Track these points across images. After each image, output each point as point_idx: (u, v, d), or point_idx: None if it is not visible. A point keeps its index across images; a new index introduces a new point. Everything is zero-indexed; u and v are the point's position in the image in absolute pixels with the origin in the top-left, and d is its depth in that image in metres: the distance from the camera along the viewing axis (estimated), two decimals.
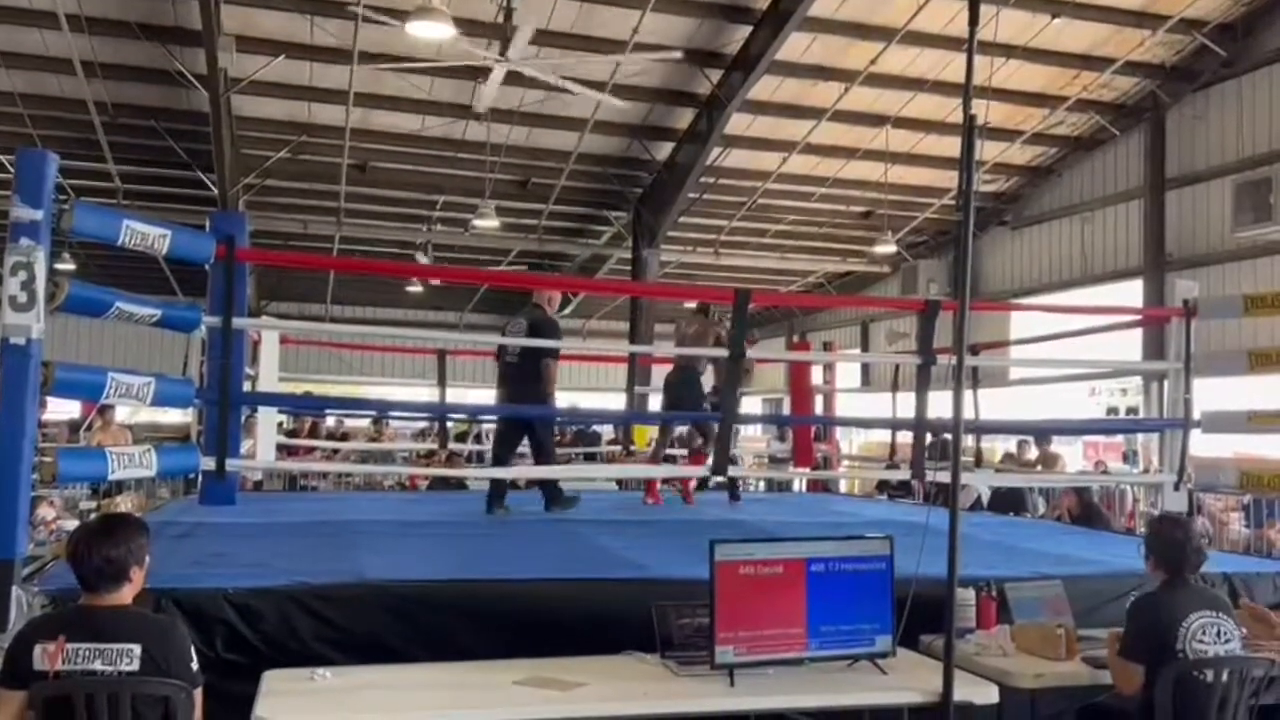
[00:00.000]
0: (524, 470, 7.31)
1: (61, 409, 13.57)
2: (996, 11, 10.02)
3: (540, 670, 3.35)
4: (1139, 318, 10.62)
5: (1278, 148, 12.86)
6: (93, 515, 7.34)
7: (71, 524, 6.89)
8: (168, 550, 4.19)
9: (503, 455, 6.97)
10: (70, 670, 2.85)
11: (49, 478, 4.18)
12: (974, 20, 3.39)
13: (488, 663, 3.48)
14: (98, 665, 2.87)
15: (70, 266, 16.00)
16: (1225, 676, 3.49)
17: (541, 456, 6.80)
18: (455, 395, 11.45)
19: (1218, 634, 3.57)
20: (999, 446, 13.21)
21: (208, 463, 5.09)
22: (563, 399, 7.93)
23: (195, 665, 3.01)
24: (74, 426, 12.99)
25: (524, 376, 6.59)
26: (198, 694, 2.99)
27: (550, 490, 6.78)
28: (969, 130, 3.35)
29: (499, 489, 6.72)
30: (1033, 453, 12.10)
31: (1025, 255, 17.68)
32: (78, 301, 4.13)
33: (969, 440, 8.32)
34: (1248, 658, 3.59)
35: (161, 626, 3.04)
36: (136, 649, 2.90)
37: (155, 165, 15.28)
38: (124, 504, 7.32)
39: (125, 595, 3.04)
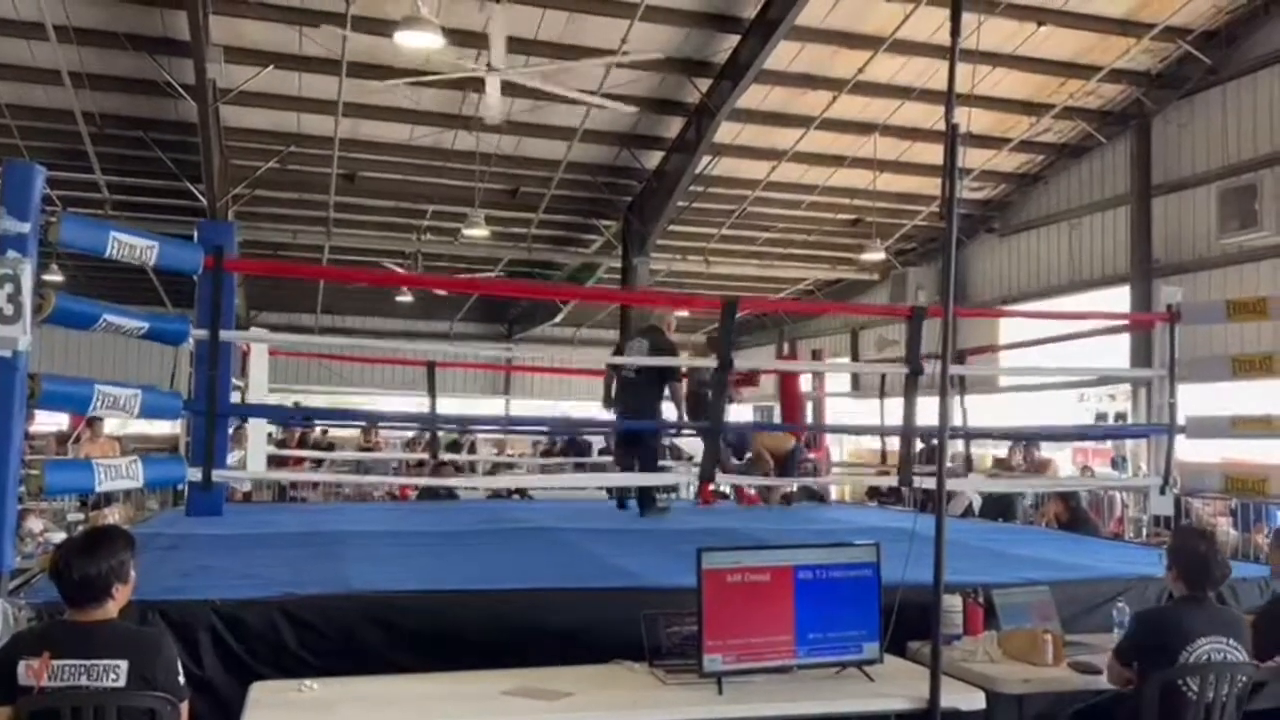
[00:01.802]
0: (516, 479, 7.40)
1: (50, 421, 13.51)
2: (979, 22, 10.10)
3: (528, 680, 3.35)
4: (1124, 323, 10.66)
5: (1262, 154, 12.94)
6: (80, 527, 7.31)
7: (59, 536, 6.85)
8: (154, 562, 4.18)
9: (625, 463, 7.59)
10: (56, 687, 2.84)
11: (36, 490, 4.17)
12: (955, 31, 3.42)
13: (476, 673, 3.48)
14: (83, 681, 2.86)
15: (59, 278, 15.93)
16: (1212, 682, 3.49)
17: (646, 464, 7.22)
18: (445, 406, 11.47)
19: (1224, 660, 3.52)
20: (990, 453, 13.23)
21: (194, 474, 5.07)
22: (555, 409, 8.05)
23: (181, 679, 3.01)
24: (62, 438, 12.91)
25: (640, 392, 7.04)
26: (184, 707, 2.99)
27: (645, 498, 7.24)
28: (951, 139, 3.38)
29: (648, 494, 7.21)
30: (1017, 458, 12.12)
31: (1013, 262, 17.76)
32: (65, 314, 4.13)
33: (958, 446, 8.38)
34: (1235, 663, 3.57)
35: (147, 641, 3.04)
36: (123, 665, 2.89)
37: (143, 176, 15.26)
38: (112, 516, 7.29)
39: (110, 610, 3.04)
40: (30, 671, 2.84)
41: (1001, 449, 12.95)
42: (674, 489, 7.89)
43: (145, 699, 2.90)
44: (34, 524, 7.14)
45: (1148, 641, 3.59)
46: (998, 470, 11.76)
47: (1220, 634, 3.55)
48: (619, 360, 7.41)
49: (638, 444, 7.36)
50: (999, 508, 9.60)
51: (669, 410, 7.43)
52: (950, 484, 6.44)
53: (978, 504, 10.13)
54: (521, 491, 9.93)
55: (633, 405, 7.05)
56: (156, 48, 12.23)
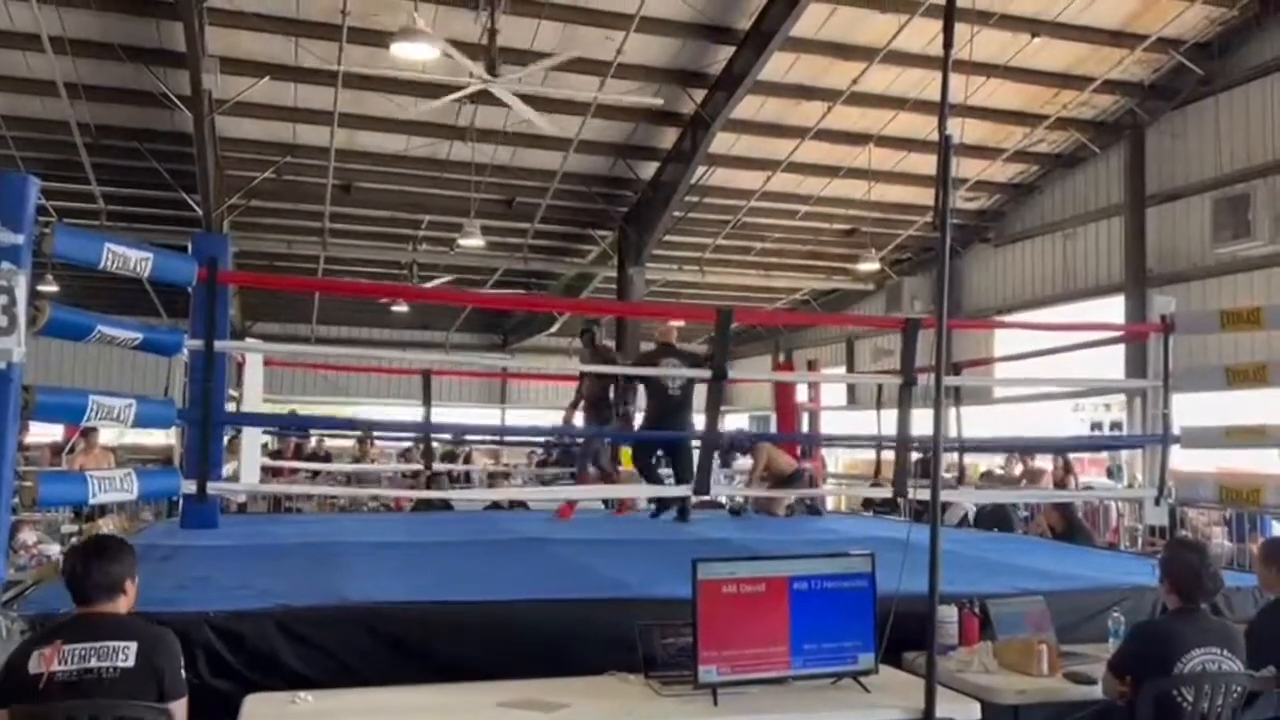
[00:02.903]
0: (511, 492, 7.43)
1: (45, 431, 13.49)
2: (973, 34, 10.12)
3: (524, 691, 3.34)
4: (1119, 334, 10.69)
5: (1255, 164, 12.98)
6: (74, 539, 7.29)
7: (53, 548, 6.84)
8: (149, 573, 4.15)
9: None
10: (66, 669, 2.90)
11: (30, 502, 4.17)
12: (949, 43, 3.43)
13: (471, 684, 3.47)
14: (93, 662, 2.93)
15: (53, 288, 15.92)
16: (1206, 692, 3.49)
17: (688, 473, 7.35)
18: (441, 415, 11.45)
19: (1219, 670, 3.52)
20: (981, 463, 13.25)
21: (188, 485, 5.07)
22: (547, 419, 8.16)
23: (184, 673, 3.08)
24: (56, 449, 12.89)
25: (685, 407, 7.52)
26: (183, 704, 3.04)
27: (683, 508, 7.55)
28: (945, 150, 3.38)
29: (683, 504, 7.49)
30: (1017, 469, 12.14)
31: (1008, 272, 17.79)
32: (59, 325, 4.14)
33: (953, 457, 8.39)
34: (1229, 673, 3.57)
35: (156, 630, 3.12)
36: (132, 646, 2.97)
37: (139, 187, 15.25)
38: (106, 527, 7.26)
39: (120, 606, 3.13)
40: (42, 659, 2.92)
41: (996, 459, 12.97)
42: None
43: (142, 710, 2.94)
44: (28, 535, 7.12)
45: (1142, 653, 3.59)
46: (984, 482, 11.76)
47: (1215, 645, 3.55)
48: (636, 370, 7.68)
49: (680, 454, 7.72)
50: (995, 519, 9.58)
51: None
52: (945, 494, 6.44)
53: (972, 514, 10.12)
54: (522, 502, 9.90)
55: (680, 420, 7.51)
56: (152, 59, 12.23)
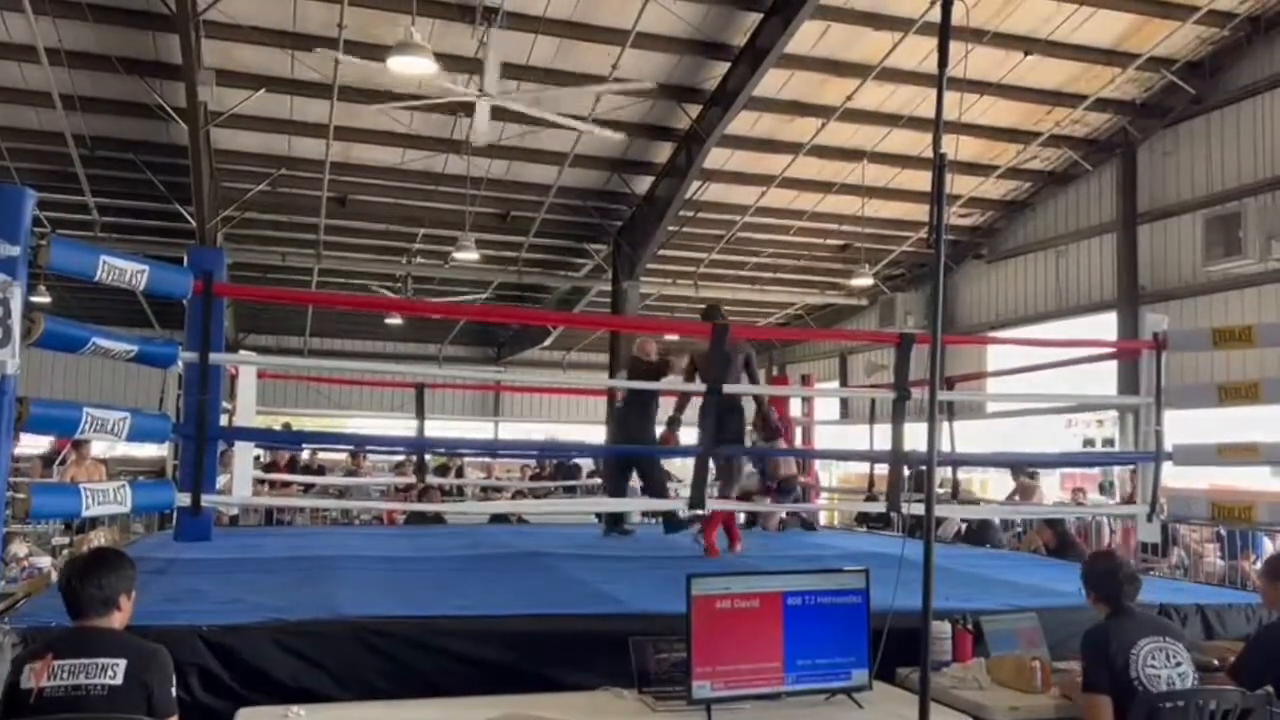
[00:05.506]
0: (511, 505, 7.41)
1: (35, 442, 13.42)
2: (967, 51, 10.20)
3: (517, 706, 3.34)
4: (1112, 350, 10.72)
5: (1246, 182, 13.08)
6: (66, 551, 7.26)
7: (44, 560, 6.81)
8: (141, 586, 4.14)
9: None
10: (55, 685, 2.89)
11: (21, 514, 4.15)
12: (943, 61, 3.45)
13: (464, 699, 3.46)
14: (82, 679, 2.91)
15: (46, 299, 15.89)
16: (1197, 708, 3.50)
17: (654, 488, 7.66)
18: (434, 428, 11.43)
19: (1167, 657, 3.65)
20: (976, 479, 13.26)
21: (183, 498, 5.05)
22: (541, 431, 8.17)
23: (174, 691, 3.06)
24: (48, 460, 12.80)
25: (629, 417, 7.62)
26: None
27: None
28: (939, 168, 3.40)
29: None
30: (1010, 485, 12.15)
31: (1001, 288, 17.86)
32: (53, 337, 4.13)
33: (946, 472, 8.39)
34: (1219, 690, 3.60)
35: (148, 647, 3.10)
36: (121, 664, 2.95)
37: (134, 198, 15.25)
38: (98, 540, 7.23)
39: (115, 621, 3.12)
40: (33, 674, 2.91)
41: (989, 475, 12.99)
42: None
43: None
44: (18, 548, 7.08)
45: (1100, 658, 3.65)
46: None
47: (1156, 634, 3.71)
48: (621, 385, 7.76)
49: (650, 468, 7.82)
50: (980, 534, 9.55)
51: None
52: (939, 510, 6.46)
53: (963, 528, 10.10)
54: (519, 515, 9.89)
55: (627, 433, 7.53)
56: (148, 71, 12.25)
